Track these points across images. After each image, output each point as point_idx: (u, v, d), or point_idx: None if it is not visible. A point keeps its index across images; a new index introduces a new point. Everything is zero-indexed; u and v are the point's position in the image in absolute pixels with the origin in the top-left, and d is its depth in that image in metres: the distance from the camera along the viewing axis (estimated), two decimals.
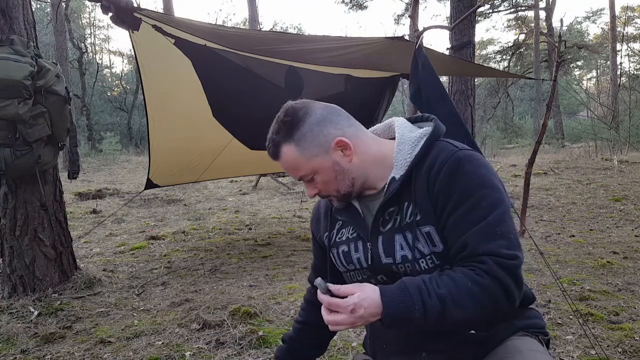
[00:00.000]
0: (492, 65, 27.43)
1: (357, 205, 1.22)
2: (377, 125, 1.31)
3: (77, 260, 3.60)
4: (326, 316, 1.00)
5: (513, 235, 1.03)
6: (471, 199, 1.04)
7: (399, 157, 1.14)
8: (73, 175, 3.51)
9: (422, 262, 1.08)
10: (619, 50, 21.89)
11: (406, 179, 1.11)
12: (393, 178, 1.13)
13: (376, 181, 1.18)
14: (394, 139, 1.22)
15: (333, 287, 1.00)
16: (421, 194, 1.09)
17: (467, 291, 0.98)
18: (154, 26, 3.41)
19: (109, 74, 33.00)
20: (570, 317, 2.64)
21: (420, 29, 3.12)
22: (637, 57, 26.49)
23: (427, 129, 1.17)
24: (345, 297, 0.98)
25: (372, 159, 1.17)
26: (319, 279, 1.01)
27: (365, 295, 0.98)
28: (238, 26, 25.39)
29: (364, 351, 1.36)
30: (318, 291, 1.01)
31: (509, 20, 27.92)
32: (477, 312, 0.98)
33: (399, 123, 1.22)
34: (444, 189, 1.06)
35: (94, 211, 6.99)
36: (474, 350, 1.10)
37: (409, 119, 1.25)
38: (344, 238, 1.24)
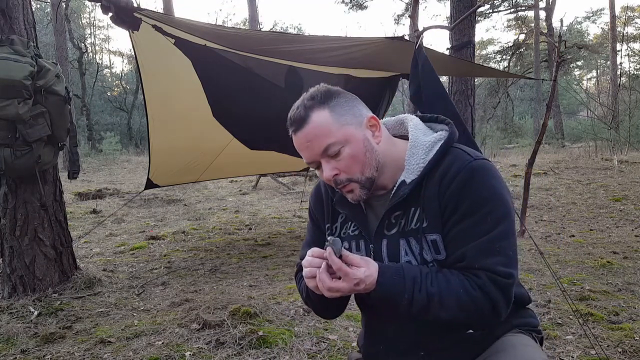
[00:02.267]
0: (492, 65, 27.43)
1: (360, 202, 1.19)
2: (389, 119, 1.28)
3: (77, 260, 3.60)
4: (327, 280, 1.00)
5: (512, 252, 1.04)
6: (478, 213, 1.04)
7: (412, 161, 1.12)
8: (73, 175, 3.51)
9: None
10: (619, 50, 21.90)
11: (417, 185, 1.10)
12: (403, 182, 1.11)
13: (387, 180, 1.15)
14: (403, 136, 1.21)
15: (345, 253, 1.01)
16: (430, 201, 1.08)
17: (456, 297, 1.01)
18: (154, 26, 3.41)
19: (109, 74, 33.01)
20: (570, 317, 2.65)
21: (420, 29, 3.12)
22: (637, 57, 26.50)
23: (441, 133, 1.15)
24: (351, 267, 1.00)
25: (390, 155, 1.15)
26: (337, 238, 1.01)
27: (369, 273, 1.01)
28: (238, 26, 25.40)
29: (358, 349, 1.35)
30: (328, 250, 1.00)
31: (509, 20, 27.95)
32: (460, 317, 1.02)
33: (412, 124, 1.20)
34: (454, 199, 1.05)
35: (94, 211, 6.99)
36: (471, 349, 1.12)
37: (422, 118, 1.23)
38: (346, 234, 1.22)
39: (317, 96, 1.10)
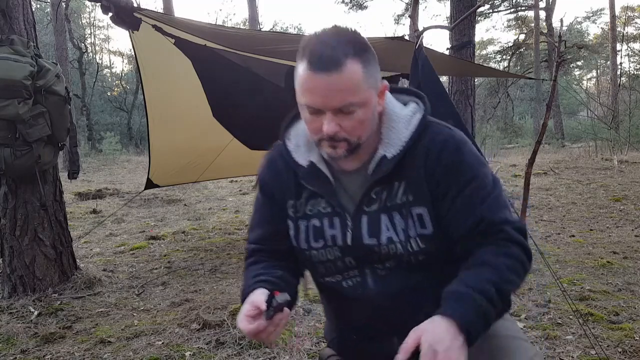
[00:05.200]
0: (492, 65, 27.43)
1: (327, 174, 1.11)
2: None
3: (77, 260, 3.60)
4: None
5: (510, 205, 1.11)
6: (477, 179, 1.06)
7: (391, 135, 1.08)
8: (73, 175, 3.51)
9: (409, 243, 1.07)
10: (619, 50, 21.93)
11: (400, 160, 1.06)
12: (384, 157, 1.07)
13: (362, 152, 1.07)
14: None
15: (402, 350, 0.91)
16: (415, 175, 1.06)
17: (505, 267, 0.99)
18: (154, 26, 3.41)
19: (109, 74, 33.00)
20: (570, 317, 2.65)
21: (420, 29, 3.12)
22: (637, 57, 26.52)
23: (415, 106, 1.13)
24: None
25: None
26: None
27: (420, 329, 0.92)
28: (238, 26, 25.39)
29: (327, 344, 1.30)
30: None
31: (509, 20, 27.92)
32: (519, 281, 1.01)
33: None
34: (449, 172, 1.05)
35: (94, 211, 6.99)
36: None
37: (390, 90, 1.15)
38: (315, 211, 1.13)
39: (355, 45, 0.99)
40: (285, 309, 1.00)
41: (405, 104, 1.15)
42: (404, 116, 1.10)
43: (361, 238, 1.09)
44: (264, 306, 0.98)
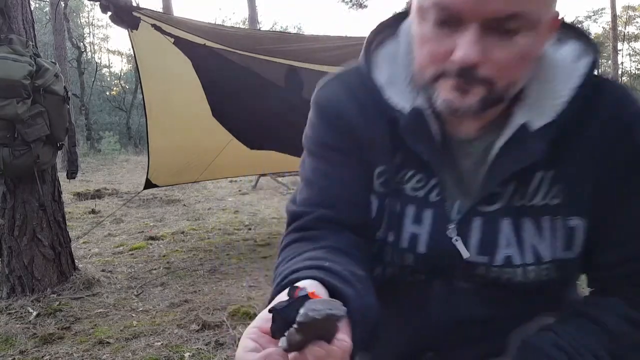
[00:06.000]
0: None
1: (438, 133, 0.68)
2: None
3: (76, 261, 3.59)
4: None
5: None
6: None
7: (545, 91, 0.64)
8: (72, 175, 3.50)
9: (536, 271, 0.67)
10: (620, 50, 21.95)
11: (554, 135, 0.63)
12: (524, 126, 0.63)
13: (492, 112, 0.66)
14: None
15: None
16: (578, 164, 0.65)
17: (625, 337, 0.67)
18: (153, 25, 3.41)
19: (107, 74, 33.01)
20: None
21: None
22: (638, 57, 26.55)
23: (577, 45, 0.66)
24: None
25: None
26: None
27: None
28: (238, 26, 25.40)
29: None
30: None
31: None
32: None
33: None
34: (631, 166, 0.64)
35: (93, 211, 6.98)
36: (484, 348, 0.77)
37: None
38: (400, 192, 0.72)
39: None
40: (343, 337, 0.48)
41: (559, 40, 0.68)
42: (562, 61, 0.65)
43: (466, 251, 0.69)
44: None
